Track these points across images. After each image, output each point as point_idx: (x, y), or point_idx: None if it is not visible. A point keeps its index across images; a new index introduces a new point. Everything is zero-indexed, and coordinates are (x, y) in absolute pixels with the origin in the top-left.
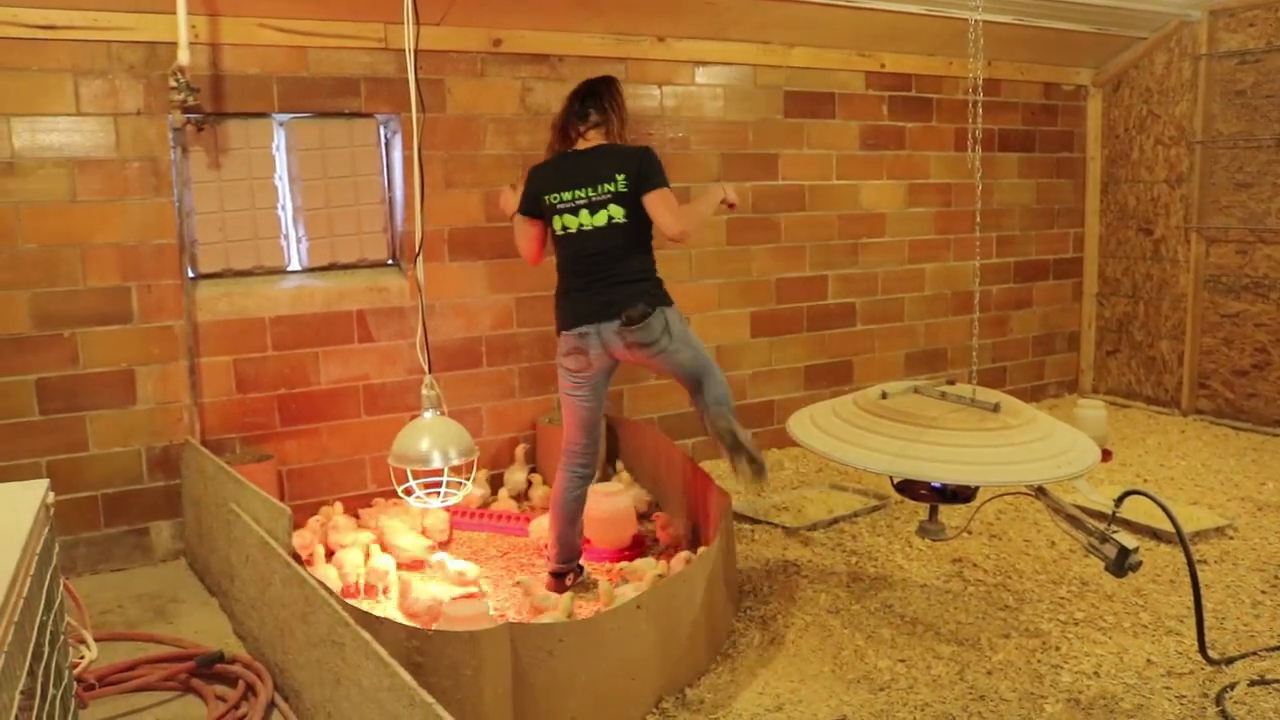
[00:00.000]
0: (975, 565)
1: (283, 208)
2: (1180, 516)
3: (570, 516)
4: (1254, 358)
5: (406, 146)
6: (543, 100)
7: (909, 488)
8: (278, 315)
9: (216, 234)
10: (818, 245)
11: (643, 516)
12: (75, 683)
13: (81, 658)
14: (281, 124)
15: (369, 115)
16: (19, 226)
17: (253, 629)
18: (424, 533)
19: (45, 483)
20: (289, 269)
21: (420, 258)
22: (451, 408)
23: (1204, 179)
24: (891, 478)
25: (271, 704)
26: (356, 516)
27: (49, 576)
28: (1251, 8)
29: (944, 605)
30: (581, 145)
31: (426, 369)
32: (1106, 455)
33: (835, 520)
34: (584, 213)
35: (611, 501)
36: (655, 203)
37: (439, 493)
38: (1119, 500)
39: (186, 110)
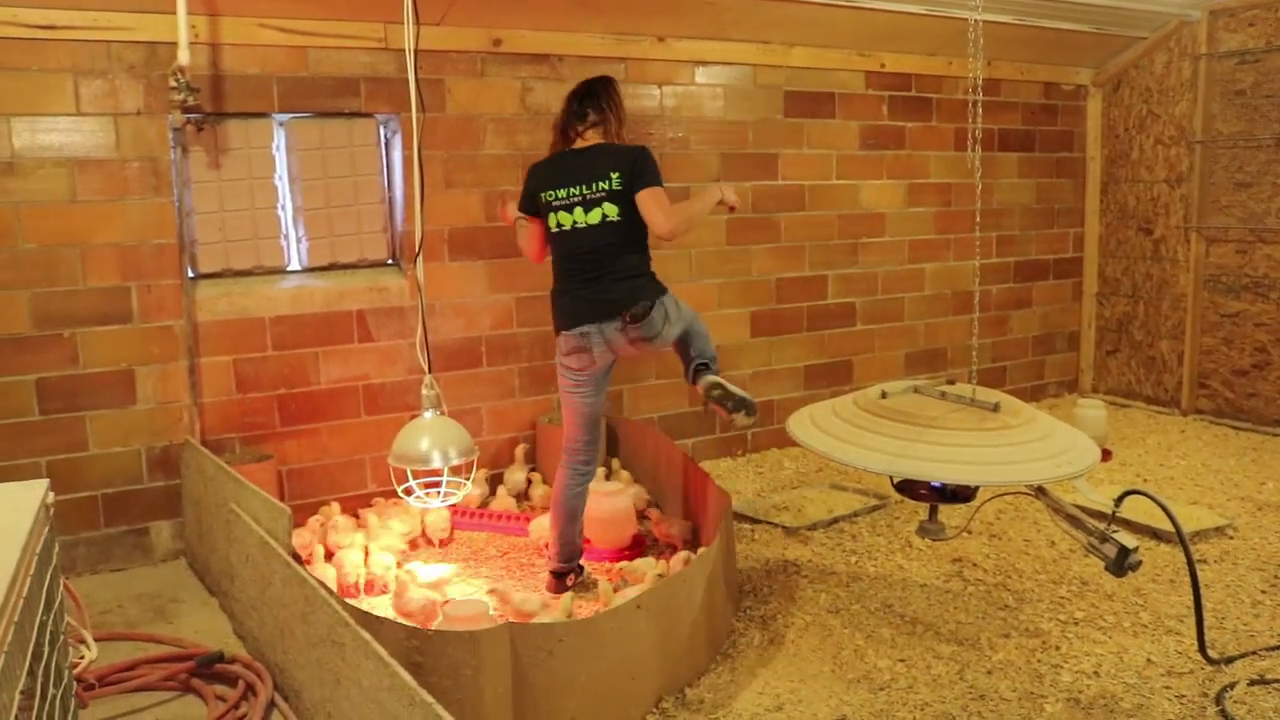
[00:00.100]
0: (975, 565)
1: (283, 208)
2: (1180, 516)
3: (571, 515)
4: (1254, 357)
5: (406, 146)
6: (543, 100)
7: (909, 487)
8: (277, 315)
9: (216, 234)
10: (818, 245)
11: (641, 516)
12: (75, 683)
13: (81, 658)
14: (281, 124)
15: (369, 115)
16: (19, 226)
17: (253, 629)
18: (424, 531)
19: (45, 483)
20: (289, 269)
21: (420, 257)
22: (451, 408)
23: (1204, 179)
24: (891, 478)
25: (271, 704)
26: (356, 516)
27: (49, 576)
28: (1251, 7)
29: (944, 605)
30: (579, 144)
31: (426, 369)
32: (1106, 455)
33: (835, 520)
34: (578, 210)
35: (611, 501)
36: (646, 201)
37: (439, 492)
38: (1119, 500)
39: (186, 110)
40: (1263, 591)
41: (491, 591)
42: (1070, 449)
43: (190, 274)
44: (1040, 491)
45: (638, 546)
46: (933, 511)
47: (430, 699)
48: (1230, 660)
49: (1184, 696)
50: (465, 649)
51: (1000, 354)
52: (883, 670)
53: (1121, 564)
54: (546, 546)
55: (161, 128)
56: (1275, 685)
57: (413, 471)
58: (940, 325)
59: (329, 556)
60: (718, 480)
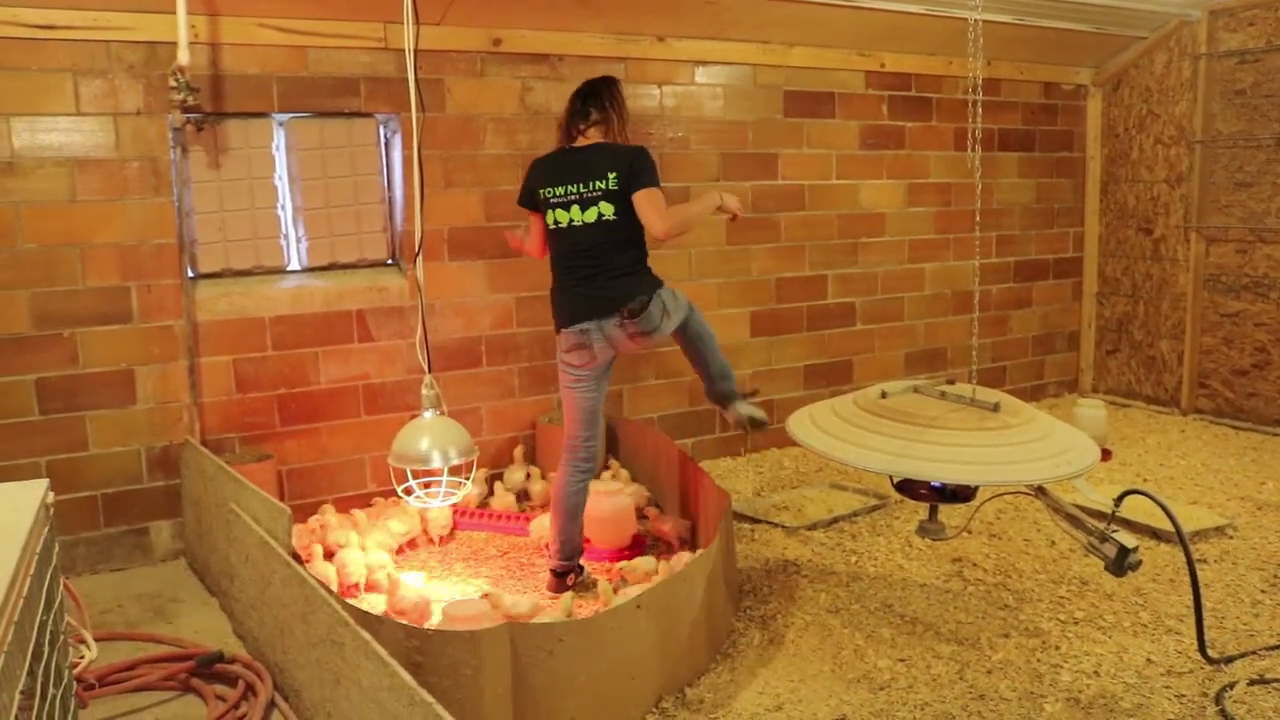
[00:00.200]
0: (975, 565)
1: (282, 207)
2: (1180, 516)
3: (572, 513)
4: (1254, 357)
5: (406, 146)
6: (543, 100)
7: (909, 487)
8: (277, 315)
9: (216, 234)
10: (817, 245)
11: (641, 515)
12: (75, 682)
13: (81, 657)
14: (281, 124)
15: (369, 115)
16: (19, 226)
17: (252, 629)
18: (425, 529)
19: (45, 482)
20: (289, 269)
21: (420, 257)
22: (451, 407)
23: (1204, 178)
24: (891, 477)
25: (271, 704)
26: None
27: (49, 576)
28: (1251, 7)
29: (944, 605)
30: (580, 143)
31: (426, 369)
32: (1106, 455)
33: (835, 520)
34: (575, 208)
35: (611, 501)
36: (642, 202)
37: (439, 492)
38: (1119, 500)
39: (186, 110)
40: (1262, 591)
41: (485, 596)
42: (1070, 449)
43: (190, 274)
44: (1040, 491)
45: (637, 546)
46: (933, 511)
47: (430, 699)
48: (1230, 660)
49: (1184, 696)
50: (465, 649)
51: (1000, 354)
52: (883, 670)
53: (1121, 564)
54: (547, 546)
55: (161, 127)
56: (1275, 685)
57: (413, 471)
58: (940, 325)
59: (329, 556)
60: (717, 480)
